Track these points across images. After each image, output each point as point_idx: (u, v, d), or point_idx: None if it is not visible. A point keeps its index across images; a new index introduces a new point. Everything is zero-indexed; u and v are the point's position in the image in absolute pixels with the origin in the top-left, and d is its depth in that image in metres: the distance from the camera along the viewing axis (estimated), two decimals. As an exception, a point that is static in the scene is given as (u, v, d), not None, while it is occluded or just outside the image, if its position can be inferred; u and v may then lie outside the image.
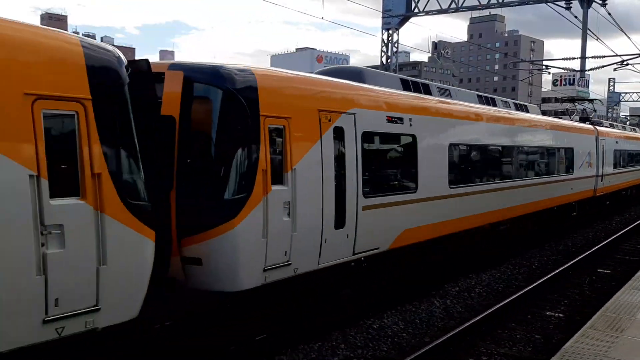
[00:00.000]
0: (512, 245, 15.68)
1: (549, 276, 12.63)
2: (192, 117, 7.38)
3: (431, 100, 11.98)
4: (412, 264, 11.39)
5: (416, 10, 28.48)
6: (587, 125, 22.55)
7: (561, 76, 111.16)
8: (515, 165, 15.37)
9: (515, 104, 17.15)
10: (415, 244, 10.91)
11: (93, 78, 5.52)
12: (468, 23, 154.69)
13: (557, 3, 24.70)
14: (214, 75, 7.51)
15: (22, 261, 4.91)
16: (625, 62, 29.45)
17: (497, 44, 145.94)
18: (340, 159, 8.85)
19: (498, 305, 10.31)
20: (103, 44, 6.02)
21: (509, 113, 15.55)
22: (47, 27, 5.72)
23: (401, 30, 30.12)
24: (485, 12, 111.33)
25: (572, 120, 24.57)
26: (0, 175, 4.76)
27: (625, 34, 26.18)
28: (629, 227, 20.59)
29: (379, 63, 29.37)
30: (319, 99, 8.73)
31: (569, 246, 17.42)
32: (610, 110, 77.97)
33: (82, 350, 5.51)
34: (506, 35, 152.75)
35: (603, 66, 30.67)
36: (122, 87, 5.85)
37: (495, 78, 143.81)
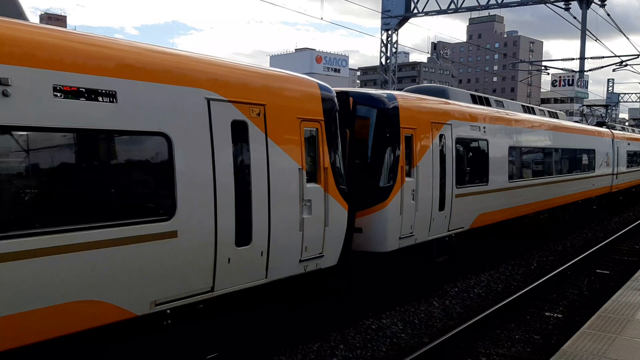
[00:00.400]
0: (549, 231, 18.60)
1: (547, 277, 12.65)
2: (356, 129, 10.33)
3: (494, 111, 14.68)
4: (482, 243, 14.21)
5: (415, 10, 28.50)
6: (605, 129, 25.50)
7: (560, 77, 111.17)
8: (554, 164, 18.12)
9: (549, 112, 20.06)
10: (485, 225, 13.65)
11: (323, 106, 8.54)
12: (467, 24, 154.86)
13: (555, 4, 24.72)
14: (371, 100, 10.54)
15: (295, 221, 7.87)
16: (624, 63, 29.47)
17: (496, 45, 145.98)
18: (442, 158, 11.71)
19: (497, 306, 10.32)
20: (326, 85, 8.90)
21: (548, 120, 18.50)
22: (297, 74, 8.59)
23: (400, 30, 30.16)
24: (485, 13, 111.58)
25: (589, 124, 28.31)
26: (285, 167, 7.74)
27: (624, 35, 26.25)
28: (627, 228, 20.62)
29: (377, 63, 29.38)
30: (431, 113, 11.64)
31: (568, 247, 17.44)
32: (609, 111, 78.01)
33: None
34: (505, 36, 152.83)
35: (602, 67, 30.68)
36: (336, 112, 8.84)
37: (495, 79, 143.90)
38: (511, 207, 14.76)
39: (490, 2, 27.15)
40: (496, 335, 9.36)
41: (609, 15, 23.15)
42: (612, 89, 79.12)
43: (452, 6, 27.69)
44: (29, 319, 5.13)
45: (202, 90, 6.62)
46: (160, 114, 6.12)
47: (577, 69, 30.02)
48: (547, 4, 24.14)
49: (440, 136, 11.66)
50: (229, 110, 6.92)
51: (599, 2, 23.87)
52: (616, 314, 8.20)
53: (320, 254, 8.35)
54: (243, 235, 7.03)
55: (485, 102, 14.94)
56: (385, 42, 29.14)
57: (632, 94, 77.08)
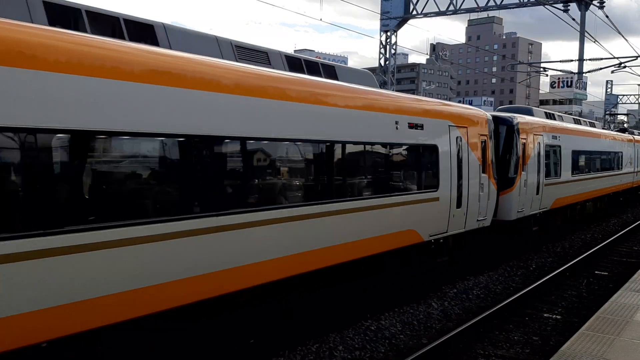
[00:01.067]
0: (591, 216, 23.78)
1: (546, 278, 12.65)
2: (497, 139, 15.14)
3: (563, 124, 20.17)
4: (556, 221, 19.32)
5: (414, 12, 28.52)
6: (628, 135, 31.24)
7: (559, 78, 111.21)
8: (598, 163, 23.59)
9: (589, 122, 26.31)
10: (558, 207, 18.90)
11: (488, 127, 13.96)
12: (466, 25, 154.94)
13: (554, 5, 24.74)
14: (504, 120, 15.70)
15: (477, 196, 13.00)
16: (622, 65, 29.48)
17: (495, 46, 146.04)
18: (538, 157, 16.81)
19: (495, 307, 10.32)
20: (489, 114, 14.64)
21: (592, 130, 24.21)
22: (478, 109, 14.44)
23: (399, 32, 30.15)
24: (483, 15, 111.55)
25: (612, 130, 34.70)
26: (473, 163, 12.86)
27: (623, 37, 26.23)
28: (626, 229, 20.63)
29: (377, 65, 29.40)
30: (536, 127, 17.02)
31: (567, 248, 17.45)
32: (607, 112, 78.09)
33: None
34: (504, 37, 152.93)
35: (600, 68, 30.72)
36: (492, 129, 14.22)
37: (493, 80, 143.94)
38: (572, 195, 20.09)
39: (489, 4, 27.18)
40: (495, 337, 9.36)
41: (607, 17, 23.17)
42: (611, 90, 79.21)
43: (451, 7, 27.71)
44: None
45: (447, 121, 12.09)
46: (434, 135, 11.50)
47: (576, 71, 30.05)
48: (546, 6, 24.16)
49: (538, 144, 16.90)
50: (455, 130, 12.28)
51: (598, 4, 23.90)
52: (615, 316, 8.20)
53: (484, 217, 13.62)
54: (458, 202, 12.24)
55: (551, 117, 20.29)
56: (384, 43, 29.17)
57: (630, 95, 77.19)
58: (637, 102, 77.59)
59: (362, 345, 8.67)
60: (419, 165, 11.14)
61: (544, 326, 10.03)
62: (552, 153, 18.11)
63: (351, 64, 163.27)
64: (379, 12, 28.63)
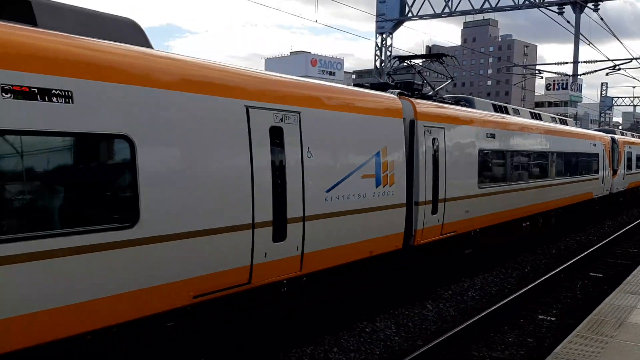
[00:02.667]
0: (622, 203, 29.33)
1: (541, 280, 12.67)
2: (609, 148, 25.67)
3: (631, 136, 30.70)
4: (626, 195, 29.15)
5: (410, 14, 28.61)
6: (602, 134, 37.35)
7: (554, 80, 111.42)
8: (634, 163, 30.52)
9: (621, 132, 32.59)
10: (628, 189, 28.63)
11: (610, 139, 27.26)
12: (462, 27, 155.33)
13: (549, 8, 24.86)
14: (613, 138, 26.83)
15: (609, 180, 25.47)
16: (617, 67, 29.62)
17: (491, 49, 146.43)
18: (626, 158, 28.00)
19: (490, 309, 10.33)
20: (610, 134, 28.19)
21: (631, 136, 32.97)
22: (604, 134, 26.20)
23: (395, 34, 30.25)
24: (479, 17, 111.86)
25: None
26: (605, 165, 24.67)
27: (618, 39, 26.33)
28: (621, 231, 20.69)
29: (372, 67, 29.45)
30: (624, 140, 28.46)
31: (562, 250, 17.49)
32: (602, 114, 78.46)
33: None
34: (499, 39, 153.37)
35: (595, 71, 30.84)
36: (612, 141, 26.78)
37: (489, 82, 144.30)
38: (635, 182, 30.26)
39: (484, 6, 27.28)
40: (490, 338, 9.37)
41: (602, 19, 23.29)
42: (606, 92, 79.56)
43: (447, 10, 27.80)
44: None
45: (600, 141, 23.91)
46: (595, 148, 22.97)
47: (571, 73, 30.17)
48: (541, 8, 24.27)
49: (624, 148, 27.48)
50: (602, 145, 23.56)
51: (593, 7, 24.04)
52: (609, 317, 8.22)
53: (608, 189, 24.45)
54: (604, 180, 23.91)
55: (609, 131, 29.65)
56: (379, 45, 29.24)
57: (625, 97, 77.53)
58: (632, 104, 77.92)
59: (357, 347, 8.67)
60: (592, 163, 22.37)
61: (539, 328, 10.04)
62: (629, 154, 28.60)
63: (347, 65, 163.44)
64: (375, 14, 28.69)
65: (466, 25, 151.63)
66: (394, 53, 31.52)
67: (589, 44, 24.86)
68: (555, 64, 31.01)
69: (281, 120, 7.64)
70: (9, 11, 5.84)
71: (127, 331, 6.04)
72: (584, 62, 28.88)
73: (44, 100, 5.20)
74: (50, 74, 5.28)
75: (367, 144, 9.36)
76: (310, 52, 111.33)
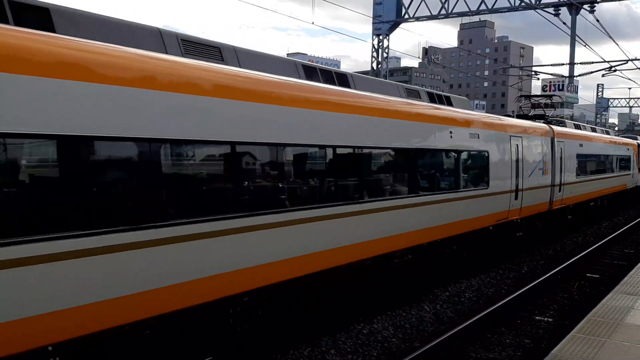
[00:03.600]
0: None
1: (538, 281, 12.68)
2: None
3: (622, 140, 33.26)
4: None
5: (406, 16, 28.63)
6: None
7: (550, 82, 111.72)
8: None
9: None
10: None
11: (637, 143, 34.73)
12: (458, 29, 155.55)
13: (545, 9, 24.92)
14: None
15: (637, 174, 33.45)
16: (613, 69, 29.71)
17: (487, 50, 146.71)
18: (634, 159, 31.80)
19: (488, 310, 10.34)
20: (636, 140, 35.82)
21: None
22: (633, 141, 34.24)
23: (392, 36, 30.29)
24: (475, 19, 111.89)
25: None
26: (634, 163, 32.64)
27: (614, 41, 26.41)
28: (617, 232, 20.73)
29: (369, 68, 29.47)
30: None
31: (558, 251, 17.51)
32: (598, 115, 78.67)
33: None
34: (496, 41, 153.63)
35: (591, 72, 30.89)
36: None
37: (485, 84, 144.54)
38: None
39: (480, 8, 27.33)
40: (487, 340, 9.38)
41: (598, 21, 23.36)
42: (602, 94, 79.77)
43: (443, 11, 27.84)
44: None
45: (630, 147, 31.64)
46: (625, 151, 29.72)
47: (567, 74, 30.24)
48: (537, 10, 24.32)
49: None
50: (632, 150, 31.61)
51: (588, 8, 24.11)
52: (605, 318, 8.24)
53: (635, 183, 31.65)
54: (633, 175, 31.98)
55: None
56: (376, 47, 29.25)
57: (621, 99, 77.75)
58: (627, 105, 78.14)
59: (354, 348, 8.66)
60: (627, 163, 28.55)
61: (536, 329, 10.05)
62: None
63: (344, 67, 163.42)
64: (372, 16, 28.72)
65: (462, 27, 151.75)
66: (391, 55, 31.58)
67: (585, 46, 24.93)
68: (551, 65, 31.19)
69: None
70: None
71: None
72: (580, 63, 28.95)
73: None
74: None
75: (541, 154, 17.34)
76: (307, 54, 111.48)
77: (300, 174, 8.59)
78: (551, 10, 25.11)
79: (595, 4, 24.75)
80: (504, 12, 27.42)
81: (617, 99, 79.96)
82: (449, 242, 12.41)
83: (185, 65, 6.75)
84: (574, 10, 24.50)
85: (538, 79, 41.90)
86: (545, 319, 10.64)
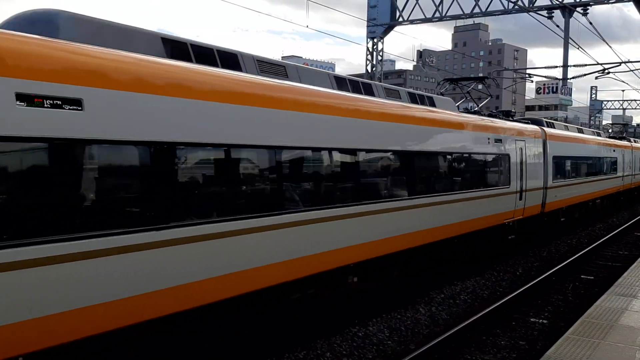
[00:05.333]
0: None
1: (533, 282, 12.72)
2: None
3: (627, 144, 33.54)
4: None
5: (400, 19, 28.69)
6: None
7: (544, 84, 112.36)
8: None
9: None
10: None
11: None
12: (452, 32, 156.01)
13: (539, 12, 25.01)
14: None
15: None
16: (606, 71, 29.81)
17: (481, 53, 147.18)
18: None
19: (483, 312, 10.36)
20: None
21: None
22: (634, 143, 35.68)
23: (386, 39, 30.34)
24: (469, 21, 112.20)
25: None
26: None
27: (607, 43, 26.53)
28: (611, 234, 20.80)
29: (364, 71, 29.52)
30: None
31: (553, 252, 17.56)
32: (592, 118, 78.94)
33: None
34: (490, 44, 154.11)
35: (585, 75, 30.97)
36: None
37: (479, 86, 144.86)
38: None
39: (474, 11, 27.42)
40: (482, 342, 9.39)
41: (591, 23, 23.43)
42: (595, 96, 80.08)
43: (437, 14, 27.91)
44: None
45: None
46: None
47: (561, 77, 30.36)
48: (530, 13, 24.42)
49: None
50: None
51: (582, 11, 24.20)
52: (600, 320, 8.26)
53: None
54: None
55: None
56: (370, 50, 29.30)
57: (614, 101, 78.06)
58: (621, 107, 78.45)
59: (349, 351, 8.66)
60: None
61: (531, 330, 10.08)
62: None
63: (338, 70, 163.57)
64: (366, 19, 28.77)
65: (457, 30, 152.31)
66: (385, 58, 31.66)
67: (578, 48, 25.01)
68: (545, 67, 31.17)
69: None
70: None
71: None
72: (574, 66, 29.03)
73: None
74: None
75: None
76: (301, 57, 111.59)
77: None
78: (544, 13, 25.21)
79: (588, 7, 24.85)
80: (498, 14, 27.52)
81: (611, 101, 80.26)
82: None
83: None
84: (567, 13, 24.59)
85: (532, 81, 42.01)
86: (540, 320, 10.67)
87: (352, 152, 9.50)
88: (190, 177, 6.85)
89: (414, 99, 12.65)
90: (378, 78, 28.98)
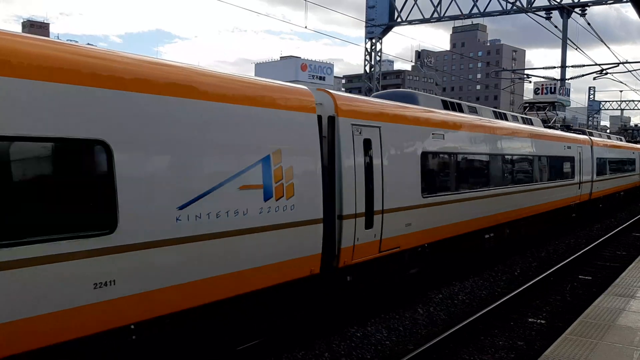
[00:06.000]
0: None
1: (531, 283, 12.73)
2: None
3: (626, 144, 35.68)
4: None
5: (399, 19, 28.73)
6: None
7: (542, 85, 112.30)
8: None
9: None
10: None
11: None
12: (450, 32, 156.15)
13: (537, 13, 25.07)
14: None
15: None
16: (604, 72, 29.86)
17: (480, 53, 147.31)
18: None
19: (481, 312, 10.37)
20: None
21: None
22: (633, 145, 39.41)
23: (384, 39, 30.36)
24: (468, 22, 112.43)
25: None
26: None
27: (605, 44, 26.56)
28: (609, 234, 20.83)
29: (362, 72, 29.54)
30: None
31: (551, 253, 17.58)
32: (590, 118, 79.10)
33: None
34: (488, 44, 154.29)
35: (583, 75, 31.05)
36: None
37: (478, 87, 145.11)
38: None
39: (472, 11, 27.47)
40: (480, 342, 9.41)
41: (589, 24, 23.48)
42: (594, 97, 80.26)
43: (435, 15, 27.95)
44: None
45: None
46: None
47: (559, 77, 30.41)
48: (529, 14, 24.45)
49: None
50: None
51: (580, 12, 24.26)
52: (598, 320, 8.28)
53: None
54: None
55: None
56: (369, 50, 29.33)
57: (612, 101, 78.24)
58: (619, 107, 78.63)
59: (348, 352, 8.66)
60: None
61: (529, 331, 10.09)
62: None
63: (336, 70, 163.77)
64: (364, 20, 28.80)
65: (455, 30, 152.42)
66: (384, 58, 31.69)
67: (576, 49, 25.06)
68: (543, 68, 31.23)
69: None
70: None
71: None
72: (572, 66, 29.09)
73: None
74: None
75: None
76: (300, 57, 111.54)
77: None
78: (543, 13, 25.29)
79: (587, 8, 24.92)
80: (496, 15, 27.58)
81: (609, 101, 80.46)
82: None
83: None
84: (566, 13, 24.67)
85: (530, 82, 42.07)
86: (538, 320, 10.69)
87: (502, 156, 15.16)
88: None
89: (525, 120, 18.73)
90: (376, 78, 29.00)
